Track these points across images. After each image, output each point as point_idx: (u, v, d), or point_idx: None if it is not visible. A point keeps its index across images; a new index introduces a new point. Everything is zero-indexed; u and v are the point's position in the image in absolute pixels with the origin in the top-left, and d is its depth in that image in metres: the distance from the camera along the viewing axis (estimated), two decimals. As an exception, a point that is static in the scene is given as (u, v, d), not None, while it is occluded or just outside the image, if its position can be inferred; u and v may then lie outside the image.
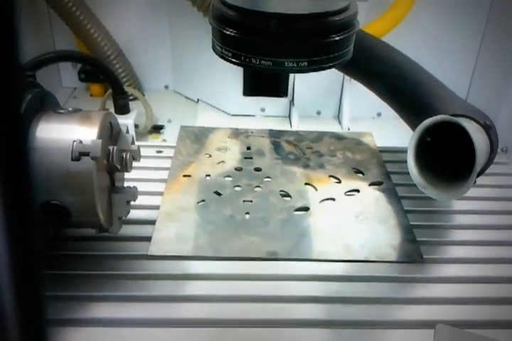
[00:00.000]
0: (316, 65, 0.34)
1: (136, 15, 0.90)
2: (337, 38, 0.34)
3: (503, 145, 0.86)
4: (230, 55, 0.35)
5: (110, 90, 0.77)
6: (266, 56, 0.34)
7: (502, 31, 0.83)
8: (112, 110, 0.78)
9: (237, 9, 0.34)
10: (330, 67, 0.35)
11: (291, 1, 0.32)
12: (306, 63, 0.34)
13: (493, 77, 0.87)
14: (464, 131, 0.42)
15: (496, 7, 0.81)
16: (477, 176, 0.46)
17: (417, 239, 0.49)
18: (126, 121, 0.75)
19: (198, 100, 0.94)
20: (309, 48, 0.34)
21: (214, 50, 0.37)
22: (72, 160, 0.39)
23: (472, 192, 0.54)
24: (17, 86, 0.15)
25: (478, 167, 0.42)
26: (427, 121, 0.44)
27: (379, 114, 0.92)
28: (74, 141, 0.39)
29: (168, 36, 0.91)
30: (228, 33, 0.35)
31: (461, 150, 0.44)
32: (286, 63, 0.34)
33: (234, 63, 0.36)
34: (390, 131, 0.68)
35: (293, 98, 0.88)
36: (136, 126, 0.81)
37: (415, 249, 0.48)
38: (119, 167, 0.43)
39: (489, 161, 0.47)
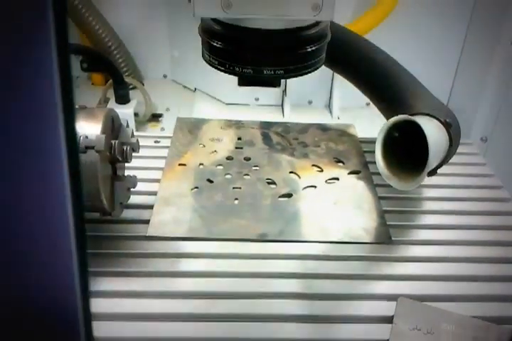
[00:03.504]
0: (291, 73, 0.40)
1: (136, 6, 0.93)
2: (309, 49, 0.39)
3: (482, 135, 0.91)
4: (217, 63, 0.40)
5: (111, 81, 0.81)
6: (247, 65, 0.39)
7: (484, 30, 0.86)
8: (113, 99, 0.82)
9: (222, 24, 0.39)
10: (304, 74, 0.40)
11: (269, 19, 0.37)
12: (282, 71, 0.39)
13: (475, 72, 0.90)
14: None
15: (479, 7, 0.85)
16: (439, 167, 0.51)
17: (388, 222, 0.55)
18: (126, 111, 0.80)
19: (195, 89, 0.98)
20: (285, 59, 0.39)
21: (203, 58, 0.42)
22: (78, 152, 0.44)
23: (441, 180, 0.60)
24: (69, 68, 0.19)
25: (432, 160, 0.47)
26: (391, 120, 0.50)
27: (368, 104, 0.97)
28: (80, 136, 0.44)
29: (167, 27, 0.95)
30: (215, 44, 0.40)
31: (424, 144, 0.49)
32: (265, 71, 0.39)
33: (220, 70, 0.41)
34: (379, 120, 0.73)
35: (285, 88, 0.92)
36: (135, 114, 0.85)
37: (385, 231, 0.54)
38: (120, 158, 0.48)
39: (449, 154, 0.52)
